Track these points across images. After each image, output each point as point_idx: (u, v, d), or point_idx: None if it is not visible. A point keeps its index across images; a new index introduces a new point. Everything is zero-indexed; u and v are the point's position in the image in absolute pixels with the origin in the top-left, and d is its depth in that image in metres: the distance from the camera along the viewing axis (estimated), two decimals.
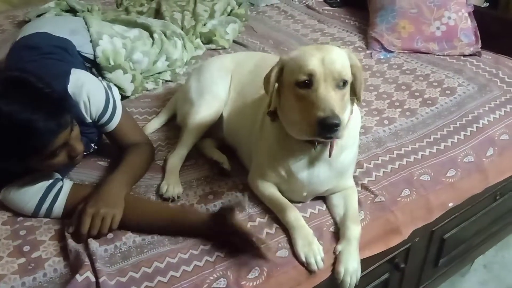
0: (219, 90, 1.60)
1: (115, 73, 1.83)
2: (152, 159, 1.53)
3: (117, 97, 1.48)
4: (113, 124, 1.45)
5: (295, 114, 1.20)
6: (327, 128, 1.10)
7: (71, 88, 1.37)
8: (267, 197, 1.38)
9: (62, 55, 1.62)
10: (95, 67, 1.82)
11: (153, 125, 1.73)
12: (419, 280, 1.82)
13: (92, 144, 1.52)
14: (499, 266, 2.27)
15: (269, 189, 1.38)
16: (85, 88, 1.38)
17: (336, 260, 1.32)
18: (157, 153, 1.60)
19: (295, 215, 1.31)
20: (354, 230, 1.33)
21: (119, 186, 1.31)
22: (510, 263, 2.28)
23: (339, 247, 1.32)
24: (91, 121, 1.42)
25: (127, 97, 1.90)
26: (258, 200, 1.41)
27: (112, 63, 1.82)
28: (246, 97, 1.55)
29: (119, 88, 1.85)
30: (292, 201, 1.36)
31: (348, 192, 1.40)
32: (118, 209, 1.26)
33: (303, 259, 1.27)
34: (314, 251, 1.27)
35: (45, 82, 1.20)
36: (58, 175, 1.36)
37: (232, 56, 1.81)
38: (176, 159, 1.53)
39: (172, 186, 1.42)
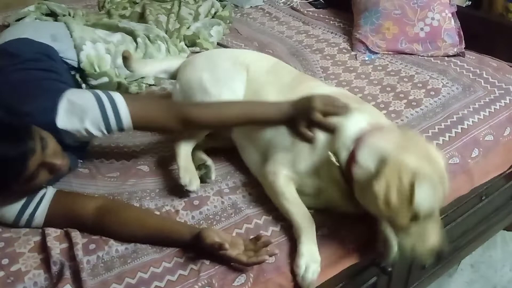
0: (237, 87, 1.53)
1: (100, 80, 1.79)
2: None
3: (110, 97, 1.34)
4: (127, 123, 1.33)
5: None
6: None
7: (68, 124, 1.28)
8: (287, 197, 1.33)
9: (48, 63, 1.55)
10: (79, 73, 1.77)
11: None
12: (406, 282, 1.81)
13: (80, 161, 1.49)
14: (486, 266, 2.28)
15: (292, 190, 1.35)
16: (83, 126, 1.29)
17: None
18: (142, 156, 1.58)
19: (311, 227, 1.28)
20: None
21: None
22: (496, 262, 2.30)
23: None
24: (106, 133, 1.33)
25: None
26: (257, 201, 1.40)
27: (97, 70, 1.78)
28: (266, 98, 1.49)
29: None
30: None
31: None
32: None
33: (301, 271, 1.23)
34: (314, 269, 1.24)
35: (4, 106, 1.16)
36: None
37: (244, 51, 1.78)
38: (188, 146, 1.48)
39: (194, 178, 1.40)
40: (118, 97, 1.34)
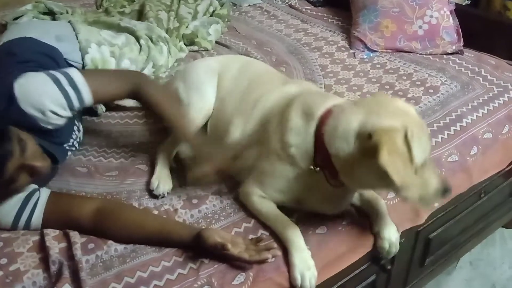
0: (207, 91, 1.58)
1: None
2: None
3: (67, 74, 1.31)
4: (88, 98, 1.31)
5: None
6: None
7: (31, 108, 1.24)
8: (265, 214, 1.34)
9: (49, 64, 1.50)
10: None
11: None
12: (405, 280, 1.81)
13: (67, 146, 1.45)
14: (484, 263, 2.29)
15: (268, 205, 1.35)
16: (44, 105, 1.25)
17: (376, 238, 1.38)
18: (140, 155, 1.57)
19: (296, 235, 1.28)
20: (382, 205, 1.40)
21: None
22: (495, 260, 2.30)
23: (376, 228, 1.38)
24: (74, 113, 1.33)
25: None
26: (243, 205, 1.39)
27: None
28: (229, 106, 1.52)
29: None
30: None
31: None
32: None
33: (298, 283, 1.23)
34: (310, 276, 1.24)
35: None
36: (35, 186, 1.30)
37: (216, 58, 1.79)
38: (167, 152, 1.52)
39: (163, 182, 1.42)
40: (75, 72, 1.32)
